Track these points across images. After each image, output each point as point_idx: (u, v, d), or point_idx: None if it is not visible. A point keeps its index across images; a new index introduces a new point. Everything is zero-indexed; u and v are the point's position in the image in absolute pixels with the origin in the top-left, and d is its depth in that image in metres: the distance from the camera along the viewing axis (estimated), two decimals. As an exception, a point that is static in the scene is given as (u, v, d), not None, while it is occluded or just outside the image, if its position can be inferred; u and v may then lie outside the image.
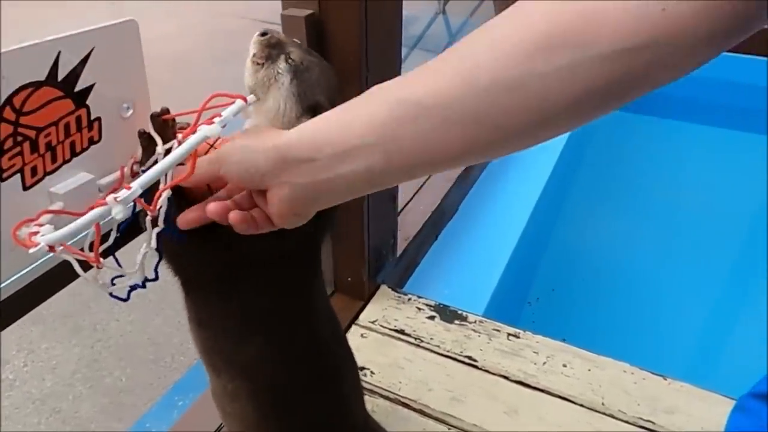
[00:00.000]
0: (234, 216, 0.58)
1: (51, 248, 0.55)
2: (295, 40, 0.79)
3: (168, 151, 0.65)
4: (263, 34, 0.76)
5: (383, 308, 1.42)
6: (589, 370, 1.26)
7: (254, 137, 0.58)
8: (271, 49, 0.74)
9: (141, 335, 2.23)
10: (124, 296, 0.66)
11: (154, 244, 0.64)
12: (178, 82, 3.16)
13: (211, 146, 0.68)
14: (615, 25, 0.40)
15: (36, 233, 0.58)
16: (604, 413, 1.17)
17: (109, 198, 0.56)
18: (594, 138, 3.05)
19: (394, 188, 1.42)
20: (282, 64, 0.74)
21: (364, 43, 1.08)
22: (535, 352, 1.30)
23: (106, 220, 0.58)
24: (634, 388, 1.21)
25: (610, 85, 0.42)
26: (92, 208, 0.56)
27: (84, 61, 0.63)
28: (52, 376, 2.06)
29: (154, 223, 0.63)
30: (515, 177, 2.20)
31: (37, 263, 0.68)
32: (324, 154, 0.52)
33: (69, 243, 0.57)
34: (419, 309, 1.42)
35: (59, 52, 0.60)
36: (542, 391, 1.22)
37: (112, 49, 0.66)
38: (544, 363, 1.27)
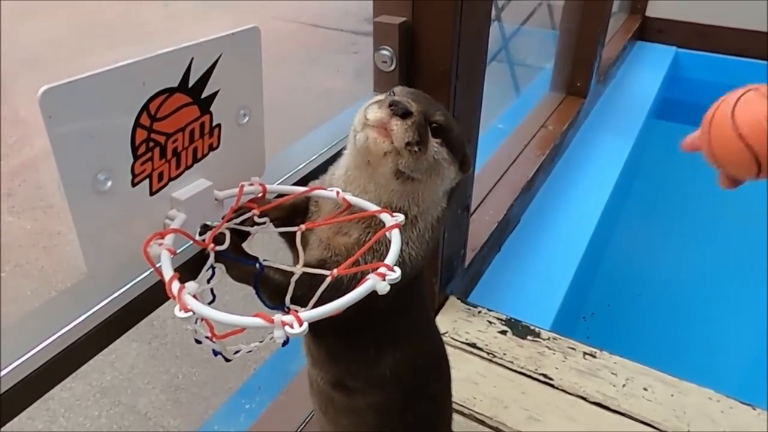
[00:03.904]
0: None
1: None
2: (406, 90, 0.74)
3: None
4: (404, 114, 0.65)
5: (453, 320, 1.39)
6: (672, 395, 1.21)
7: None
8: (420, 127, 0.67)
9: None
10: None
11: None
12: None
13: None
14: None
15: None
16: (691, 442, 1.12)
17: (276, 318, 0.51)
18: (651, 149, 2.97)
19: (467, 198, 1.40)
20: (435, 142, 0.69)
21: (456, 51, 1.06)
22: (613, 374, 1.26)
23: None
24: (721, 417, 1.16)
25: None
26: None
27: (212, 67, 0.63)
28: (111, 369, 2.10)
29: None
30: (580, 188, 2.15)
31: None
32: None
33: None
34: (490, 323, 1.39)
35: (192, 59, 0.60)
36: (623, 414, 1.17)
37: (236, 56, 0.65)
38: (624, 385, 1.23)
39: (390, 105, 0.66)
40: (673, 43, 3.41)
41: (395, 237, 0.63)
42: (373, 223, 0.71)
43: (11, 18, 4.43)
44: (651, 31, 3.47)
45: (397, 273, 0.57)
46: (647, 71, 3.17)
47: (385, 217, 0.67)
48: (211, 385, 2.04)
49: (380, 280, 0.56)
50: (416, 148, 0.66)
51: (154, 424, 1.92)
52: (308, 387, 0.94)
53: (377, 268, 0.57)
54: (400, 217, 0.66)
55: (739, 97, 0.60)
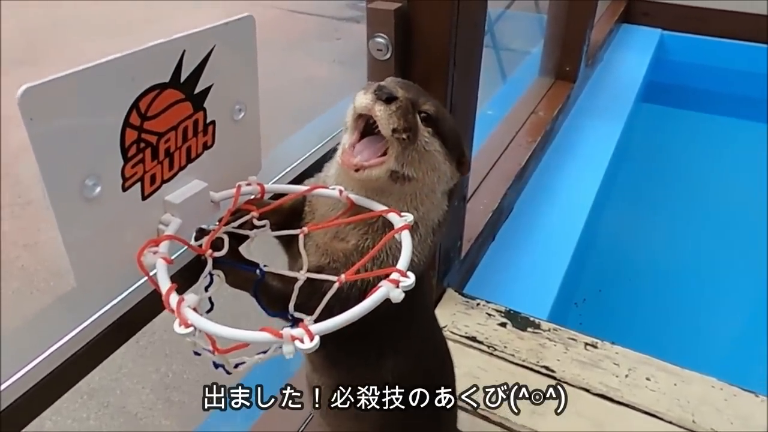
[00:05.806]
0: None
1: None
2: (397, 80, 0.70)
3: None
4: (388, 99, 0.61)
5: (452, 313, 1.37)
6: (675, 384, 1.20)
7: None
8: (407, 114, 0.63)
9: (185, 330, 2.21)
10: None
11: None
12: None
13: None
14: None
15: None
16: (696, 432, 1.11)
17: (285, 333, 0.49)
18: (640, 133, 2.96)
19: (465, 188, 1.37)
20: (426, 131, 0.65)
21: (453, 37, 1.02)
22: (615, 364, 1.24)
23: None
24: (725, 406, 1.15)
25: None
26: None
27: (205, 60, 0.59)
28: (98, 370, 2.01)
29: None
30: (572, 174, 2.13)
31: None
32: None
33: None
34: (489, 315, 1.37)
35: (184, 51, 0.56)
36: (627, 405, 1.16)
37: (230, 47, 0.61)
38: (627, 376, 1.22)
39: (375, 90, 0.62)
40: (658, 25, 3.40)
41: (405, 239, 0.59)
42: (371, 230, 0.67)
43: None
44: (636, 14, 3.45)
45: (412, 279, 0.54)
46: (633, 54, 3.15)
47: (393, 217, 0.63)
48: (203, 383, 2.00)
49: (393, 287, 0.53)
50: (404, 136, 0.62)
51: (145, 425, 1.88)
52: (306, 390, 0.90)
53: (389, 274, 0.54)
54: (409, 217, 0.62)
55: None
